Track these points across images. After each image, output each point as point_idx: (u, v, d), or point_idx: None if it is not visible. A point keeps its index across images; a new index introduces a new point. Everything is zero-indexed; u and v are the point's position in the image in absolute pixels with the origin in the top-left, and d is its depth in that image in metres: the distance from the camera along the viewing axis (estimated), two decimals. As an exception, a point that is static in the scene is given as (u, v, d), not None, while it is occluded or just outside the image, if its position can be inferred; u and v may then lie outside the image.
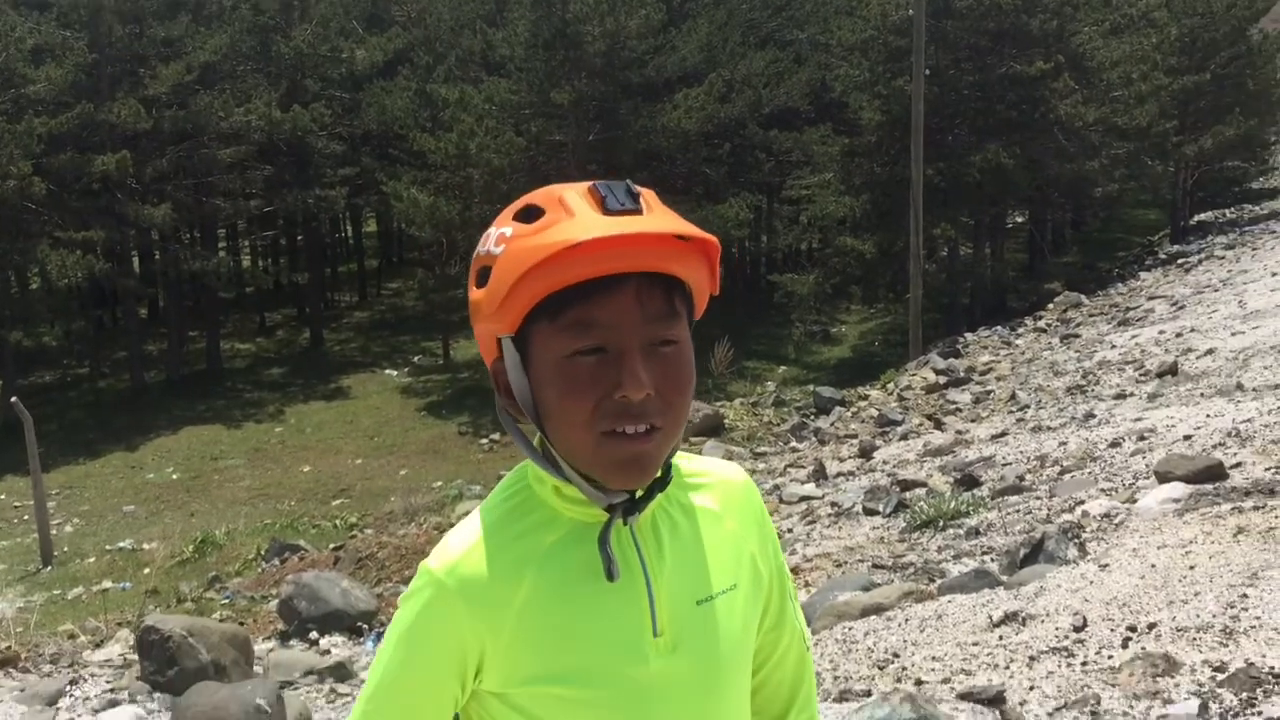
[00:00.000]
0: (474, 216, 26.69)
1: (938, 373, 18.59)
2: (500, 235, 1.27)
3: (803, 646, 1.59)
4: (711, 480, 1.47)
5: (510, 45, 28.40)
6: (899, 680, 4.78)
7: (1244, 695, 3.86)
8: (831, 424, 17.44)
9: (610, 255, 1.21)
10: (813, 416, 18.95)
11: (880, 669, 4.99)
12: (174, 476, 22.91)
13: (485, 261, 1.28)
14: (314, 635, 9.82)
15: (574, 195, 1.25)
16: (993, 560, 6.80)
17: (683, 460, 1.46)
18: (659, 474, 1.33)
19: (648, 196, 1.26)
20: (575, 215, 1.22)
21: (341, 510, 18.85)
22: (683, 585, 1.37)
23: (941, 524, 8.26)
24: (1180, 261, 27.64)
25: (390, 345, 33.02)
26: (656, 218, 1.24)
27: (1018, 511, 7.93)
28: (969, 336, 23.24)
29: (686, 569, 1.38)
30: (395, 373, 30.07)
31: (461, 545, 1.34)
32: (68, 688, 6.96)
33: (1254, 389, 10.08)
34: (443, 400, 26.60)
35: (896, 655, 5.10)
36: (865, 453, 13.55)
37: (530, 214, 1.26)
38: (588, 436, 1.26)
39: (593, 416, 1.25)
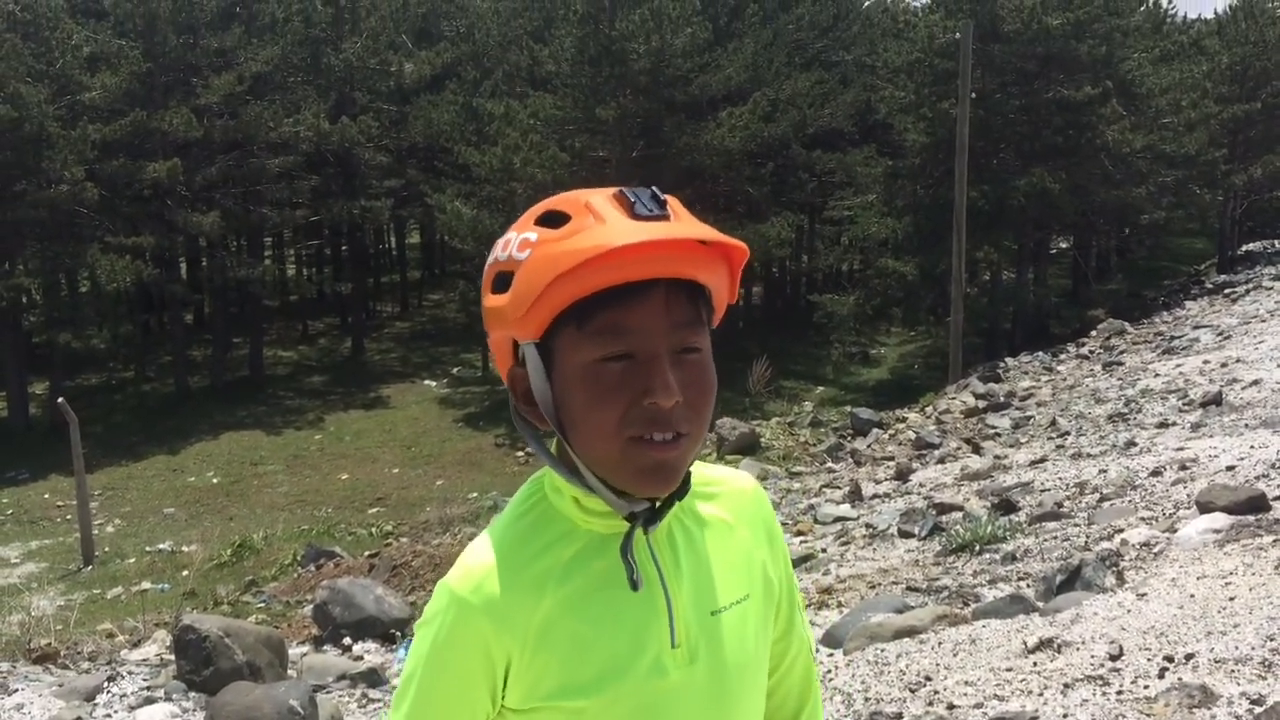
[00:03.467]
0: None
1: (977, 397, 18.46)
2: (524, 240, 1.26)
3: (809, 656, 1.59)
4: (722, 489, 1.46)
5: (556, 61, 28.59)
6: (930, 703, 4.75)
7: (1282, 729, 3.81)
8: (868, 445, 17.36)
9: (643, 261, 1.21)
10: (850, 437, 18.86)
11: (912, 691, 4.97)
12: (214, 481, 23.15)
13: (506, 267, 1.27)
14: (347, 641, 9.88)
15: (601, 201, 1.25)
16: (1029, 586, 6.75)
17: (693, 468, 1.45)
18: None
19: (672, 203, 1.26)
20: (606, 221, 1.21)
21: (377, 518, 18.98)
22: (699, 596, 1.36)
23: (977, 548, 8.21)
24: (1227, 291, 27.30)
25: (430, 356, 33.25)
26: (684, 223, 1.24)
27: (1055, 538, 7.86)
28: (1010, 361, 23.06)
29: (702, 579, 1.37)
30: (434, 383, 30.27)
31: (482, 563, 1.32)
32: (105, 684, 7.06)
33: (1300, 421, 9.94)
34: (480, 412, 26.73)
35: (929, 678, 5.07)
36: (902, 475, 13.48)
37: (555, 219, 1.25)
38: (614, 443, 1.25)
39: (620, 423, 1.24)
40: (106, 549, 18.67)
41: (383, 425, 26.69)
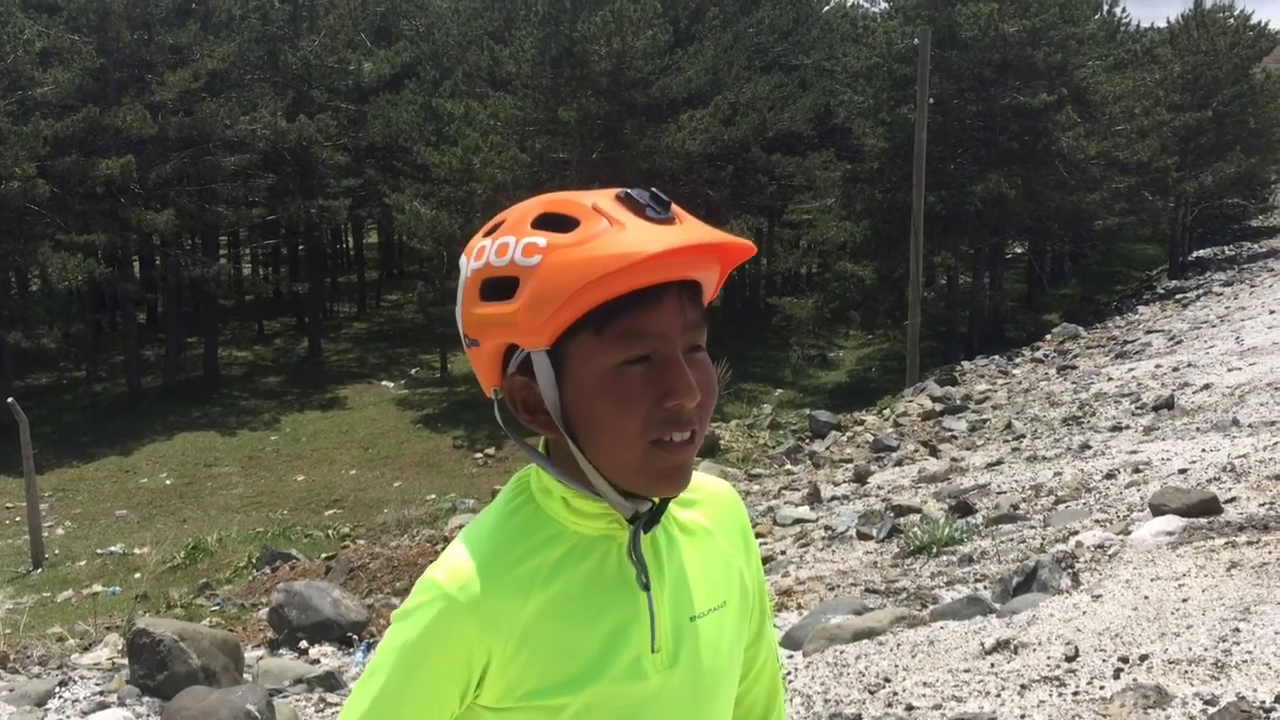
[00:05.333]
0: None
1: (934, 400, 18.60)
2: (529, 245, 1.21)
3: (776, 663, 1.60)
4: (702, 495, 1.46)
5: (517, 62, 28.51)
6: (890, 705, 4.78)
7: (1234, 728, 3.86)
8: (827, 448, 17.43)
9: (668, 265, 1.20)
10: (808, 440, 18.93)
11: (871, 693, 4.99)
12: (167, 482, 22.88)
13: (504, 272, 1.23)
14: (304, 644, 9.78)
15: (610, 204, 1.22)
16: (986, 588, 6.80)
17: None
18: None
19: (672, 203, 1.25)
20: (626, 226, 1.20)
21: (334, 520, 18.83)
22: (679, 601, 1.36)
23: (935, 550, 8.26)
24: (1178, 297, 27.73)
25: (388, 357, 33.06)
26: (695, 226, 1.24)
27: (1011, 540, 7.94)
28: (966, 365, 23.26)
29: (682, 585, 1.37)
30: (392, 384, 30.09)
31: (471, 561, 1.30)
32: (57, 689, 6.95)
33: (1250, 425, 10.10)
34: (438, 413, 26.61)
35: (888, 680, 5.10)
36: (860, 477, 13.55)
37: (561, 223, 1.22)
38: (638, 447, 1.24)
39: (643, 426, 1.23)
40: (57, 551, 18.39)
41: (339, 426, 26.50)
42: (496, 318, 1.24)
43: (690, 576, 1.39)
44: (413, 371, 31.17)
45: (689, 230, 1.22)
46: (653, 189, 1.25)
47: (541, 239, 1.21)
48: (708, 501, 1.46)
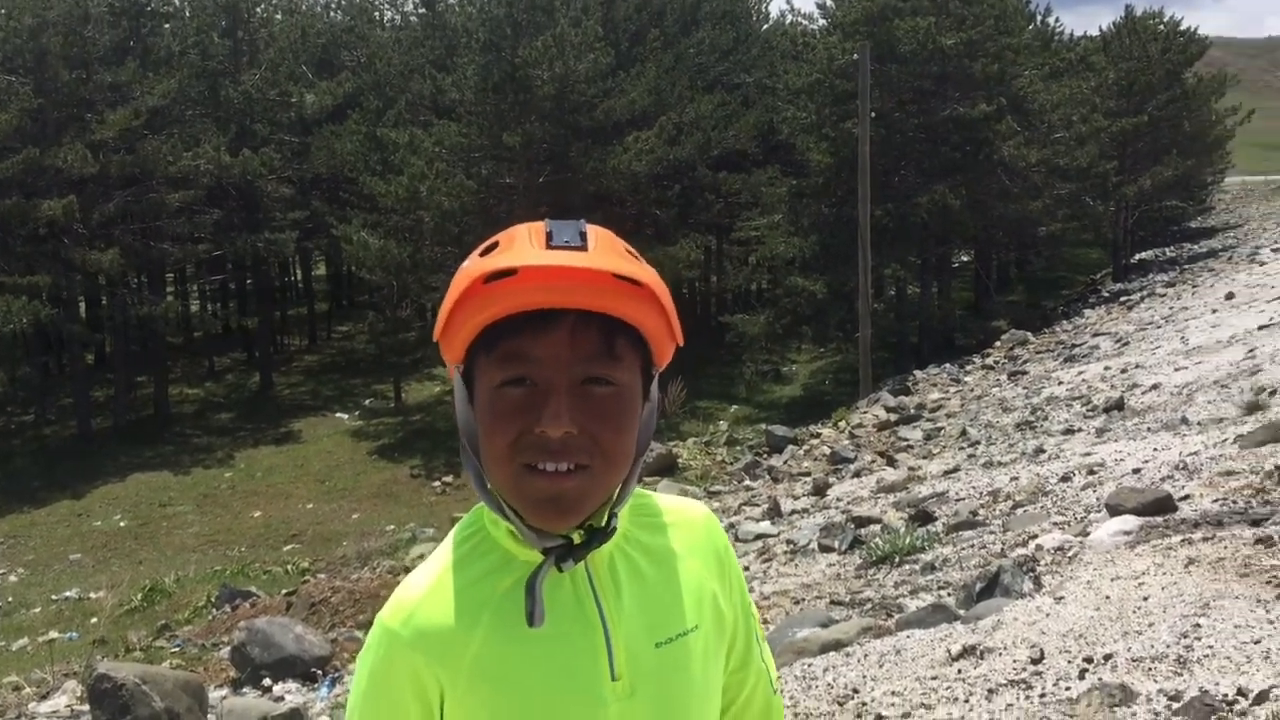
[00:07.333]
0: (424, 259, 26.68)
1: (889, 410, 18.75)
2: (461, 267, 1.26)
3: (769, 689, 1.57)
4: (672, 519, 1.45)
5: (460, 89, 28.50)
6: (859, 716, 4.80)
7: (1199, 722, 3.92)
8: (785, 462, 17.51)
9: (539, 289, 1.20)
10: (766, 455, 19.00)
11: (840, 705, 5.01)
12: (122, 524, 22.53)
13: None
14: (267, 682, 9.68)
15: (524, 231, 1.25)
16: (949, 595, 6.85)
17: (643, 499, 1.44)
18: (604, 523, 1.31)
19: (598, 235, 1.24)
20: (514, 248, 1.22)
21: (293, 555, 18.62)
22: (642, 628, 1.35)
23: (897, 560, 8.32)
24: (1123, 299, 28.17)
25: (341, 388, 32.81)
26: (597, 255, 1.21)
27: (972, 546, 8.00)
28: (918, 374, 23.46)
29: (646, 611, 1.36)
30: (346, 416, 29.86)
31: (414, 594, 1.32)
32: (17, 740, 6.83)
33: (1199, 423, 10.27)
34: (394, 443, 26.42)
35: (856, 691, 5.13)
36: (819, 490, 13.61)
37: (489, 248, 1.25)
38: (508, 469, 1.25)
39: (512, 449, 1.24)
40: (10, 599, 18.05)
41: (295, 460, 26.23)
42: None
43: (654, 602, 1.37)
44: (366, 402, 30.95)
45: (574, 258, 1.21)
46: (581, 220, 1.26)
47: (469, 262, 1.26)
48: (678, 525, 1.45)
